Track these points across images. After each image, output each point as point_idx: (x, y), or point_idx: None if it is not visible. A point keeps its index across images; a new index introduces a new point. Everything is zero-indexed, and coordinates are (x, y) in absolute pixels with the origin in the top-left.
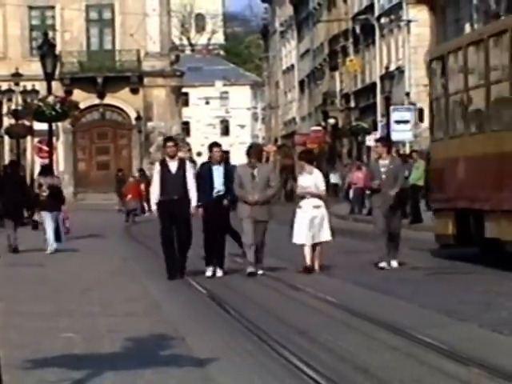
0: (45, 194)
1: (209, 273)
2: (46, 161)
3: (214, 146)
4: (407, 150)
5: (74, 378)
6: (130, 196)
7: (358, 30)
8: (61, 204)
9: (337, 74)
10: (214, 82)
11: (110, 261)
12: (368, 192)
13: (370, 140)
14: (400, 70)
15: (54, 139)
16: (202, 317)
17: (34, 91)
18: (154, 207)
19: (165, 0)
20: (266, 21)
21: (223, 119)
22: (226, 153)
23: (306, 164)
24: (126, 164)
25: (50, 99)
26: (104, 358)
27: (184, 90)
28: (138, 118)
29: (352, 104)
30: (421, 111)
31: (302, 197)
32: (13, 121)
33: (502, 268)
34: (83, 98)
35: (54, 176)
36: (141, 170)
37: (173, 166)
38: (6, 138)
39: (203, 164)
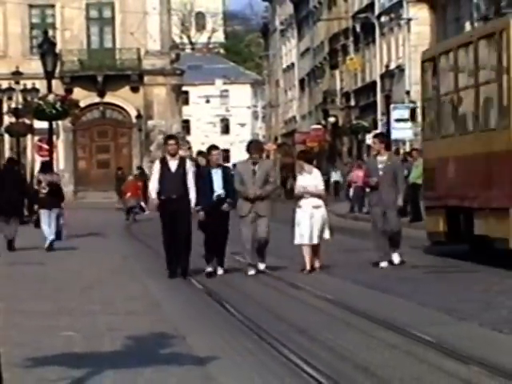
0: (44, 190)
1: (209, 268)
2: (42, 157)
3: (212, 149)
4: (407, 149)
5: (75, 377)
6: (129, 194)
7: (358, 29)
8: (60, 201)
9: (337, 72)
10: (215, 81)
11: (111, 259)
12: (368, 190)
13: (370, 138)
14: (400, 69)
15: (55, 138)
16: (203, 315)
17: (35, 90)
18: (153, 195)
19: None
20: (266, 19)
21: (223, 118)
22: (226, 151)
23: (305, 164)
24: (127, 162)
25: (51, 98)
26: (104, 357)
27: (184, 88)
28: (139, 117)
29: (352, 102)
30: (413, 111)
31: (302, 196)
32: (13, 119)
33: (503, 267)
34: (83, 97)
35: (54, 173)
36: (140, 168)
37: (173, 164)
38: (7, 137)
39: (202, 167)
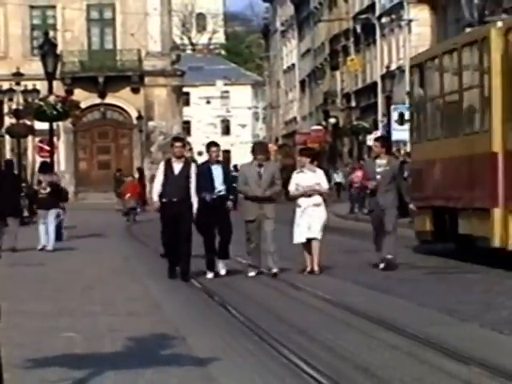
0: (44, 191)
1: (210, 275)
2: (43, 158)
3: (211, 145)
4: (408, 149)
5: (75, 378)
6: (128, 195)
7: (358, 30)
8: (59, 201)
9: (338, 73)
10: (215, 82)
11: (111, 260)
12: (368, 191)
13: (370, 139)
14: (401, 70)
15: (55, 139)
16: (203, 316)
17: (35, 91)
18: (155, 198)
19: None
20: (266, 20)
21: (224, 119)
22: (227, 152)
23: (307, 162)
24: (127, 163)
25: (51, 99)
26: (105, 358)
27: (185, 89)
28: (139, 118)
29: (353, 103)
30: (401, 115)
31: (302, 195)
32: (14, 120)
33: (503, 267)
34: (84, 98)
35: (53, 173)
36: (139, 169)
37: (177, 167)
38: (7, 138)
39: (202, 164)
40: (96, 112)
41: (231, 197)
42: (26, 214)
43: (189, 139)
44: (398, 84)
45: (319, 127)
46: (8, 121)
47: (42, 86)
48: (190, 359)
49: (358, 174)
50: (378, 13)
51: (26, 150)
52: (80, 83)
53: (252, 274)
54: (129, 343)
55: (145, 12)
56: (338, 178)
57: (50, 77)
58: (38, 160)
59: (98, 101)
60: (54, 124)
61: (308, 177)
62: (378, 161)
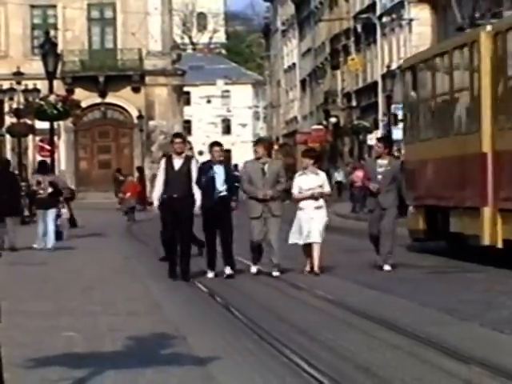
0: (44, 191)
1: (210, 274)
2: (43, 157)
3: (214, 145)
4: None
5: (76, 377)
6: (128, 194)
7: (359, 29)
8: (59, 201)
9: (338, 72)
10: (216, 81)
11: (112, 259)
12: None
13: (371, 139)
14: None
15: (56, 138)
16: (203, 316)
17: (36, 90)
18: (155, 202)
19: None
20: (267, 20)
21: (225, 118)
22: (228, 152)
23: (310, 163)
24: (128, 163)
25: (52, 98)
26: (105, 357)
27: (186, 88)
28: (140, 117)
29: (353, 103)
30: (395, 116)
31: (302, 197)
32: (14, 120)
33: (504, 267)
34: (85, 97)
35: (52, 173)
36: (138, 169)
37: (177, 163)
38: (8, 137)
39: (203, 163)
40: (96, 111)
41: (234, 197)
42: (26, 213)
43: (189, 138)
44: (399, 83)
45: (320, 127)
46: (9, 120)
47: (42, 85)
48: (191, 359)
49: (358, 173)
50: (378, 12)
51: (26, 150)
52: (81, 82)
53: (254, 270)
54: (129, 343)
55: (145, 11)
56: (339, 176)
57: (50, 76)
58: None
59: (98, 100)
60: (55, 123)
61: (310, 179)
62: (380, 161)
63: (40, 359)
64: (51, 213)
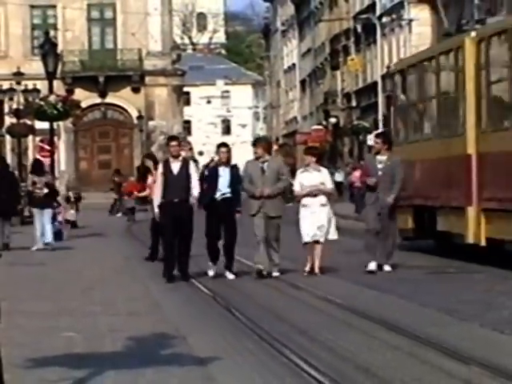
0: (39, 191)
1: (211, 272)
2: (38, 156)
3: (221, 146)
4: None
5: (75, 377)
6: (134, 193)
7: (359, 29)
8: (54, 201)
9: (338, 73)
10: (216, 81)
11: (112, 260)
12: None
13: (371, 139)
14: None
15: (56, 138)
16: (203, 316)
17: (36, 90)
18: (156, 210)
19: None
20: (267, 20)
21: (224, 118)
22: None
23: (312, 161)
24: (128, 163)
25: (52, 98)
26: (105, 357)
27: (185, 89)
28: (140, 117)
29: (353, 103)
30: (385, 118)
31: (307, 194)
32: (14, 120)
33: (504, 267)
34: (85, 97)
35: (46, 173)
36: (138, 169)
37: (175, 166)
38: (8, 137)
39: (211, 166)
40: (96, 111)
41: (238, 208)
42: (26, 213)
43: (189, 139)
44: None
45: (320, 127)
46: (8, 120)
47: (42, 85)
48: (191, 359)
49: (356, 174)
50: (378, 12)
51: (26, 150)
52: (80, 83)
53: (260, 267)
54: (129, 343)
55: (145, 12)
56: (339, 177)
57: (50, 76)
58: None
59: (98, 100)
60: (55, 123)
61: (313, 176)
62: (379, 157)
63: (39, 359)
64: (47, 213)
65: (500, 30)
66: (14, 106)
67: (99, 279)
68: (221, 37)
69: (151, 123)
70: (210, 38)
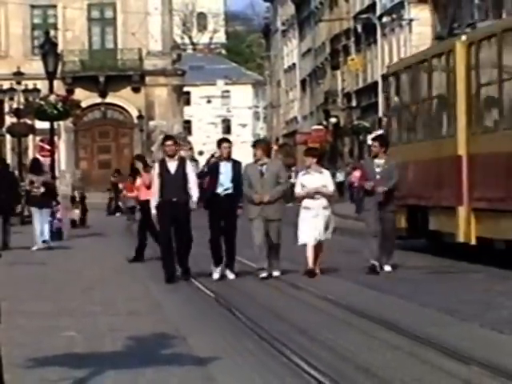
0: (37, 190)
1: (216, 275)
2: (37, 156)
3: (223, 141)
4: None
5: (76, 377)
6: (131, 193)
7: (359, 29)
8: (52, 200)
9: (338, 72)
10: (216, 81)
11: (112, 259)
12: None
13: (371, 139)
14: None
15: (56, 138)
16: (203, 316)
17: (36, 90)
18: (153, 211)
19: None
20: (267, 20)
21: (225, 118)
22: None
23: (313, 162)
24: (128, 163)
25: (52, 98)
26: (105, 357)
27: (186, 88)
28: (140, 117)
29: (353, 103)
30: (379, 120)
31: (307, 196)
32: (14, 119)
33: (503, 267)
34: (85, 97)
35: (45, 172)
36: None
37: (172, 166)
38: (8, 137)
39: (213, 162)
40: (97, 111)
41: (240, 204)
42: (26, 212)
43: (190, 139)
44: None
45: (320, 127)
46: (9, 120)
47: (42, 85)
48: (191, 359)
49: (356, 174)
50: (378, 12)
51: (26, 150)
52: (81, 82)
53: (264, 274)
54: (129, 343)
55: (146, 11)
56: (340, 177)
57: (50, 76)
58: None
59: (98, 100)
60: (55, 123)
61: (315, 178)
62: (377, 160)
63: (40, 359)
64: (45, 212)
65: (489, 34)
66: (15, 106)
67: (99, 279)
68: (221, 37)
69: (151, 123)
70: (211, 38)
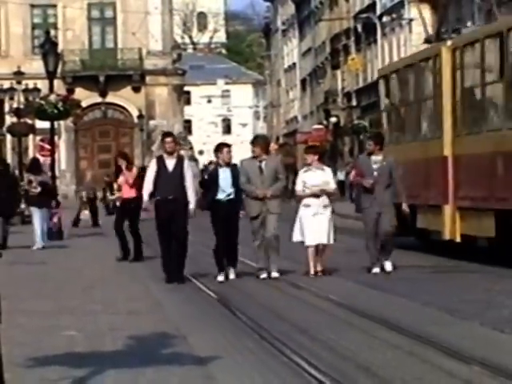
0: (35, 190)
1: (221, 277)
2: (37, 155)
3: (223, 146)
4: None
5: (76, 376)
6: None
7: (359, 29)
8: (50, 201)
9: (338, 72)
10: (216, 81)
11: (112, 259)
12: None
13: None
14: None
15: (56, 138)
16: (204, 315)
17: (36, 89)
18: (145, 202)
19: None
20: (267, 19)
21: (225, 118)
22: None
23: (315, 159)
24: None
25: (52, 97)
26: (106, 356)
27: (186, 88)
28: (140, 117)
29: (354, 102)
30: (371, 121)
31: (308, 194)
32: (15, 119)
33: (504, 266)
34: (85, 97)
35: (43, 172)
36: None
37: (170, 163)
38: (9, 137)
39: (210, 170)
40: (97, 111)
41: (242, 210)
42: (27, 212)
43: (190, 138)
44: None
45: (320, 126)
46: (9, 120)
47: (42, 84)
48: (191, 358)
49: (353, 173)
50: (378, 12)
51: (26, 149)
52: (81, 82)
53: (264, 275)
54: (130, 342)
55: (146, 11)
56: (341, 176)
57: (50, 76)
58: (40, 159)
59: (98, 100)
60: (55, 123)
61: (317, 175)
62: (374, 157)
63: (40, 358)
64: (43, 212)
65: (473, 39)
66: (15, 106)
67: (100, 278)
68: (221, 36)
69: (152, 122)
70: (211, 38)
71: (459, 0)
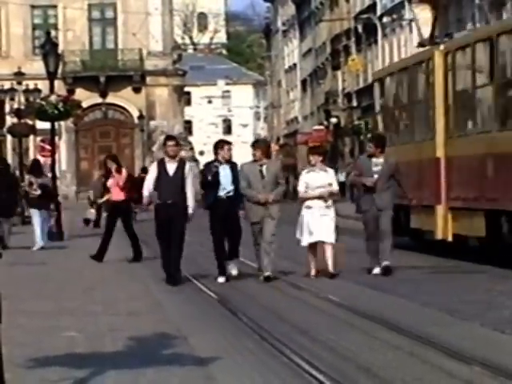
0: (35, 192)
1: (221, 279)
2: (38, 157)
3: (224, 143)
4: None
5: (76, 377)
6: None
7: (360, 29)
8: (50, 203)
9: (339, 73)
10: (217, 81)
11: (112, 259)
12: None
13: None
14: None
15: (57, 138)
16: (204, 316)
17: (37, 90)
18: (145, 197)
19: None
20: (268, 20)
21: (225, 118)
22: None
23: (319, 160)
24: (129, 163)
25: (53, 98)
26: (106, 357)
27: (186, 89)
28: (141, 117)
29: (354, 103)
30: (366, 123)
31: (310, 196)
32: (15, 120)
33: (504, 266)
34: (86, 97)
35: (44, 174)
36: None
37: (171, 167)
38: (9, 137)
39: (208, 164)
40: (97, 111)
41: (239, 202)
42: (27, 213)
43: (190, 139)
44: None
45: (320, 127)
46: (9, 120)
47: (43, 85)
48: (192, 359)
49: (353, 173)
50: (379, 12)
51: (27, 150)
52: (81, 83)
53: (268, 274)
54: (130, 343)
55: (146, 11)
56: (342, 177)
57: (51, 76)
58: (40, 159)
59: (99, 100)
60: (56, 123)
61: (320, 176)
62: (374, 159)
63: (40, 359)
64: (43, 214)
65: (464, 44)
66: (15, 106)
67: (100, 279)
68: (222, 37)
69: (152, 123)
70: (211, 38)
71: (460, 1)
